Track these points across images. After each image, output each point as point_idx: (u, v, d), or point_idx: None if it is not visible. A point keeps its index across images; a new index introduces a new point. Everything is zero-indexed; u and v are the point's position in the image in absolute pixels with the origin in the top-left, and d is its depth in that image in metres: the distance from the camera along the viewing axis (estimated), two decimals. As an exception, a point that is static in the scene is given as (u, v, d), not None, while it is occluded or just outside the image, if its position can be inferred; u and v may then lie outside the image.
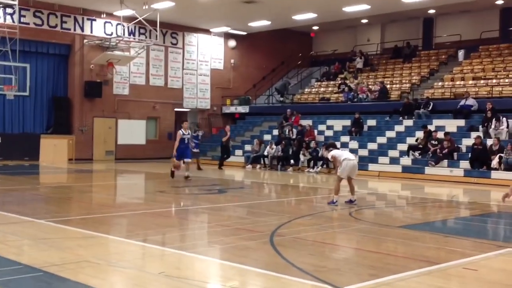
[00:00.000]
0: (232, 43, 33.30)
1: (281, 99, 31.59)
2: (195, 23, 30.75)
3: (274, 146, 24.99)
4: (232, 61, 33.32)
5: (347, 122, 26.09)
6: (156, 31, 27.17)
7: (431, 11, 30.19)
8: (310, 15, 28.48)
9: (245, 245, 8.07)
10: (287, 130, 26.36)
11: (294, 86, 33.66)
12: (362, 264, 7.10)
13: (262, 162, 25.49)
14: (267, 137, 27.59)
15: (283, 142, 24.85)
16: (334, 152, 12.80)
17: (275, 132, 27.68)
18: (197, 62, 32.03)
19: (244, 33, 32.65)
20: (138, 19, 26.61)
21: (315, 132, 26.14)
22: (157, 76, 30.48)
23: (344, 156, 12.58)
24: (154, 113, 30.36)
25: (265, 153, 25.35)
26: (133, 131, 29.42)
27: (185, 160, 17.96)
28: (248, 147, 27.14)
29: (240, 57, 33.71)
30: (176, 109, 31.25)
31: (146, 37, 29.15)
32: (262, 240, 8.31)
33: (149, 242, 8.29)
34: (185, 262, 7.12)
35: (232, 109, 32.60)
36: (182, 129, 17.89)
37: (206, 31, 32.07)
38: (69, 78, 28.17)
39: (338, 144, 21.34)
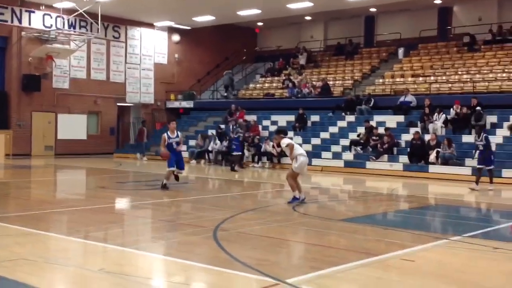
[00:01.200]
0: (176, 37, 33.00)
1: (231, 93, 31.54)
2: (138, 16, 30.28)
3: (218, 142, 24.95)
4: (176, 55, 33.02)
5: (291, 118, 26.34)
6: (98, 24, 26.59)
7: (373, 10, 30.85)
8: (255, 11, 28.56)
9: (188, 240, 8.04)
10: (231, 126, 26.37)
11: (239, 81, 33.70)
12: (304, 257, 7.20)
13: (206, 157, 25.41)
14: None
15: (227, 137, 24.84)
16: (291, 142, 12.24)
17: (221, 127, 27.62)
18: (140, 56, 31.57)
19: (189, 27, 32.41)
20: (79, 12, 25.96)
21: (260, 127, 26.26)
22: (99, 70, 29.86)
23: (300, 151, 12.07)
24: (96, 107, 29.74)
25: (209, 148, 25.29)
26: (73, 126, 28.73)
27: (178, 171, 14.50)
28: (192, 142, 26.99)
29: (184, 52, 33.45)
30: (118, 104, 30.72)
31: (87, 30, 28.48)
32: (205, 235, 8.29)
33: (90, 239, 8.13)
34: (127, 258, 7.02)
35: (176, 104, 32.32)
36: (168, 132, 14.42)
37: (150, 25, 31.64)
38: (6, 71, 27.22)
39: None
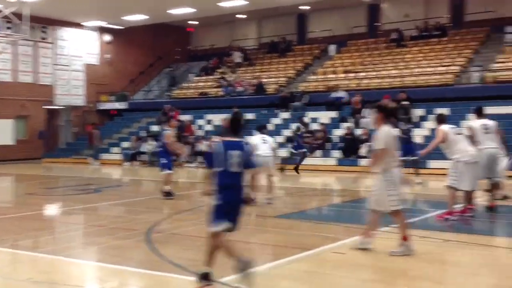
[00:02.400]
0: (107, 37, 32.30)
1: (173, 91, 31.29)
2: (67, 16, 29.42)
3: (151, 142, 24.62)
4: (108, 56, 32.33)
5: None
6: (24, 25, 25.63)
7: (304, 7, 31.24)
8: (187, 10, 28.34)
9: (120, 245, 7.89)
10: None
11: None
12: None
13: (140, 159, 25.04)
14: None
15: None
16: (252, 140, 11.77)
17: (154, 128, 27.29)
18: (70, 58, 30.70)
19: (120, 27, 31.79)
20: (4, 13, 24.96)
21: (194, 127, 26.10)
22: (26, 73, 28.81)
23: (259, 151, 11.62)
24: (23, 111, 28.67)
25: (143, 150, 24.93)
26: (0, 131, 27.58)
27: (170, 172, 13.09)
28: (126, 144, 26.51)
29: (116, 52, 32.79)
30: (47, 107, 29.74)
31: (13, 32, 27.41)
32: (138, 238, 8.15)
33: (17, 248, 7.83)
34: (57, 266, 6.81)
35: (109, 106, 31.64)
36: (171, 129, 13.43)
37: (79, 25, 30.81)
38: None
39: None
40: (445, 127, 9.69)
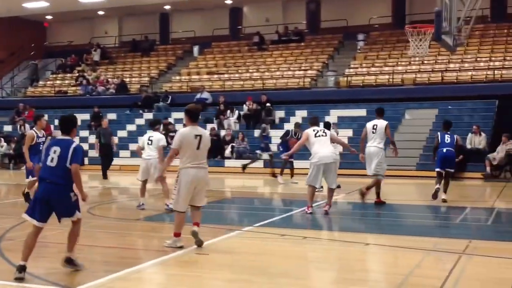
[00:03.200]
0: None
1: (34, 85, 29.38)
2: None
3: (3, 144, 23.02)
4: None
5: (86, 116, 25.31)
6: None
7: (167, 7, 30.99)
8: (42, 4, 26.89)
9: (-34, 255, 7.25)
10: (18, 126, 24.50)
11: (26, 78, 31.41)
12: (97, 260, 6.94)
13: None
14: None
15: (15, 138, 23.04)
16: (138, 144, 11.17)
17: (7, 128, 25.54)
18: None
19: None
20: None
21: (52, 127, 24.78)
22: None
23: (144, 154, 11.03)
24: None
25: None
26: None
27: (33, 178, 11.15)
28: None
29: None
30: None
31: None
32: (-13, 247, 7.55)
33: None
34: None
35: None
36: (35, 128, 11.55)
37: None
38: None
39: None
40: (309, 130, 10.18)
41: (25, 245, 6.00)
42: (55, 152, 5.97)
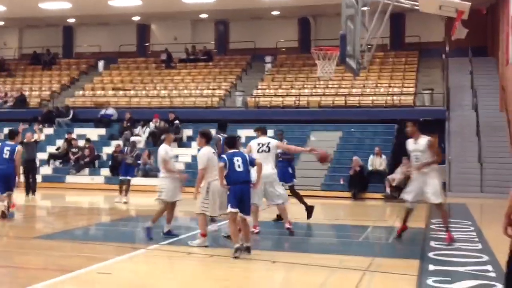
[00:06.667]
0: None
1: None
2: None
3: None
4: None
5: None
6: None
7: (71, 20, 29.99)
8: None
9: None
10: None
11: None
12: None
13: None
14: None
15: None
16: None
17: None
18: None
19: None
20: None
21: None
22: None
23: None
24: None
25: None
26: None
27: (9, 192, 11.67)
28: None
29: None
30: None
31: None
32: None
33: None
34: None
35: None
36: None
37: None
38: None
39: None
40: (253, 143, 9.76)
41: None
42: None
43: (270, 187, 9.74)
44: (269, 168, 9.52)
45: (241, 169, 7.90)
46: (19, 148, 11.86)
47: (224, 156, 8.13)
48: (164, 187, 9.27)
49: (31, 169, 17.26)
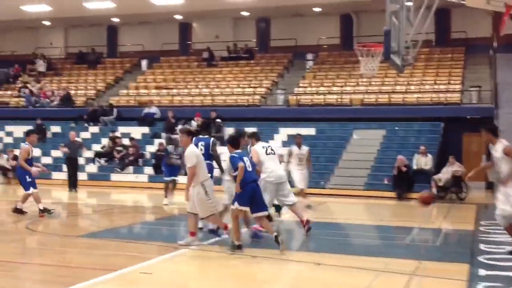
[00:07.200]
0: None
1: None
2: None
3: None
4: None
5: (29, 128, 24.37)
6: None
7: (115, 20, 30.43)
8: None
9: None
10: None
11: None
12: (31, 279, 6.51)
13: None
14: None
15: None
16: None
17: None
18: None
19: None
20: None
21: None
22: None
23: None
24: None
25: None
26: None
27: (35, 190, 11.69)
28: None
29: None
30: None
31: None
32: None
33: None
34: None
35: None
36: (27, 143, 11.73)
37: None
38: None
39: (17, 151, 19.67)
40: (257, 148, 9.74)
41: None
42: None
43: (283, 187, 9.80)
44: (281, 169, 9.98)
45: (250, 169, 8.17)
46: (22, 146, 11.71)
47: (235, 155, 8.23)
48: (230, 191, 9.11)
49: (72, 166, 17.66)
